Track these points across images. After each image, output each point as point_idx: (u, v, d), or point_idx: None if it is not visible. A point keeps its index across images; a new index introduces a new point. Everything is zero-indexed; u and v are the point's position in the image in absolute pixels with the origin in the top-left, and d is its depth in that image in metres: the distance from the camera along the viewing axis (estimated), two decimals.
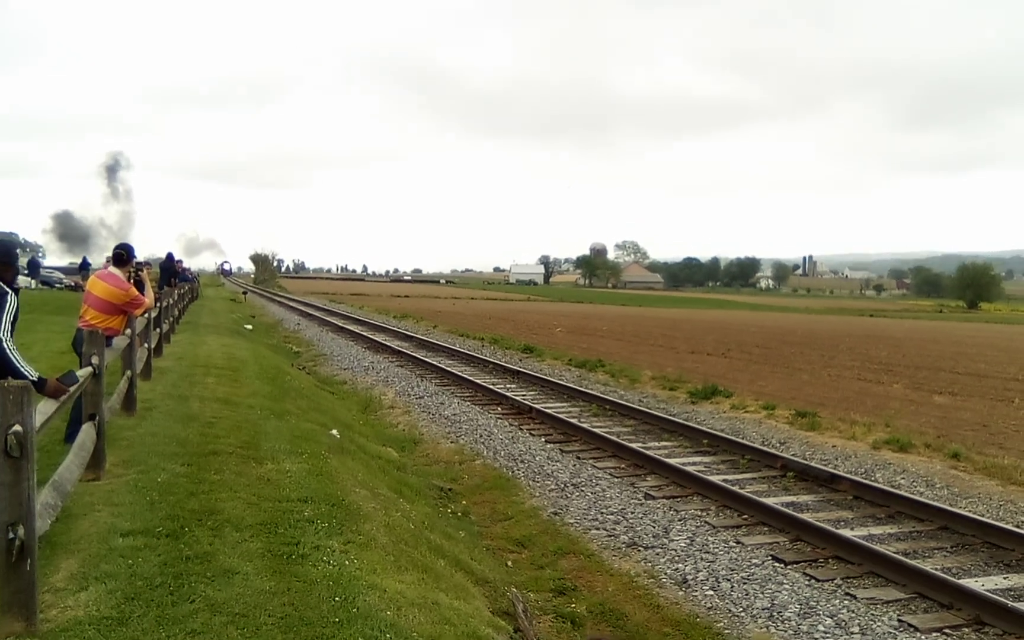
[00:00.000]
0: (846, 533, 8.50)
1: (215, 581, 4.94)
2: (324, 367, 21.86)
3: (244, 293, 60.05)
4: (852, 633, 6.37)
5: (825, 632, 6.38)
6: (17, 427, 4.16)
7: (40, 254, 67.29)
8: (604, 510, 9.36)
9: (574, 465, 11.44)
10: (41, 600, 4.43)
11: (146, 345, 13.51)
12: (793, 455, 12.27)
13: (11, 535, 4.11)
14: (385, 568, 5.75)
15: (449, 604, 5.52)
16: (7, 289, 5.99)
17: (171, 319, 20.55)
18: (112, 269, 9.29)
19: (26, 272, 41.10)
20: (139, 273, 11.05)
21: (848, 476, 10.84)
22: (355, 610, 4.79)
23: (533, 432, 13.82)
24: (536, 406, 15.75)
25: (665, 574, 7.49)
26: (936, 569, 7.56)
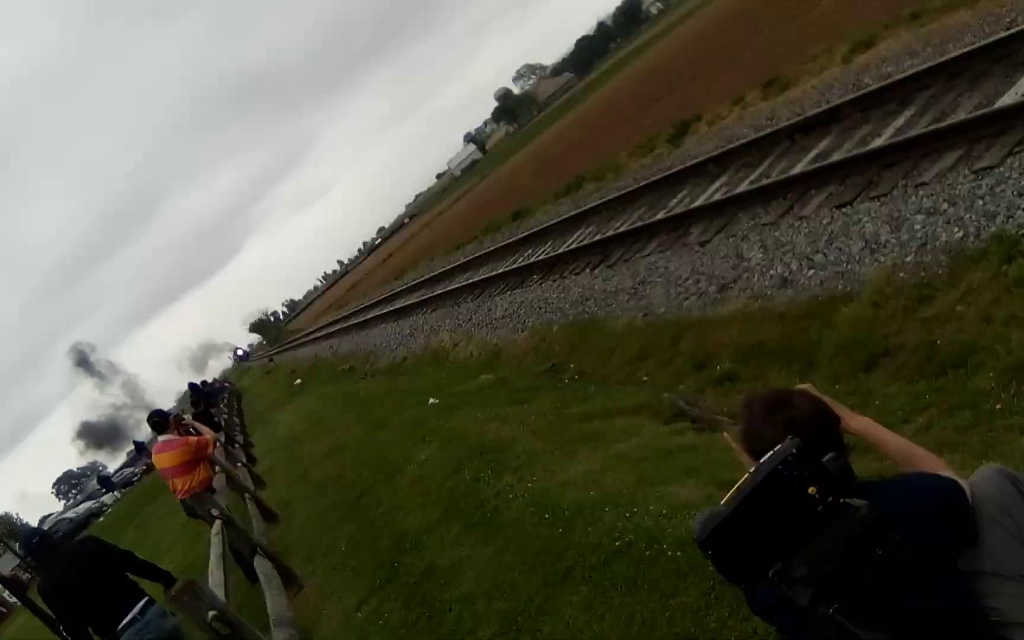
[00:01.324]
0: None
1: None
2: (380, 362, 21.88)
3: (270, 360, 60.04)
4: None
5: None
6: (212, 611, 4.25)
7: (101, 467, 67.89)
8: None
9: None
10: None
11: (239, 463, 13.66)
12: None
13: None
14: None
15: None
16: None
17: (236, 429, 20.69)
18: (161, 438, 9.15)
19: (103, 490, 41.46)
20: (182, 422, 10.91)
21: None
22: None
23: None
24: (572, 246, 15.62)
25: None
26: None
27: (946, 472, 2.19)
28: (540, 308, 13.19)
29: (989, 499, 2.15)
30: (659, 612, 3.58)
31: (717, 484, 4.29)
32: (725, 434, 2.99)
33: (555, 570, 4.52)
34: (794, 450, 1.33)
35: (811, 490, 1.31)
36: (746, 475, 1.34)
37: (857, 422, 2.39)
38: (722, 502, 1.33)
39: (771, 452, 1.35)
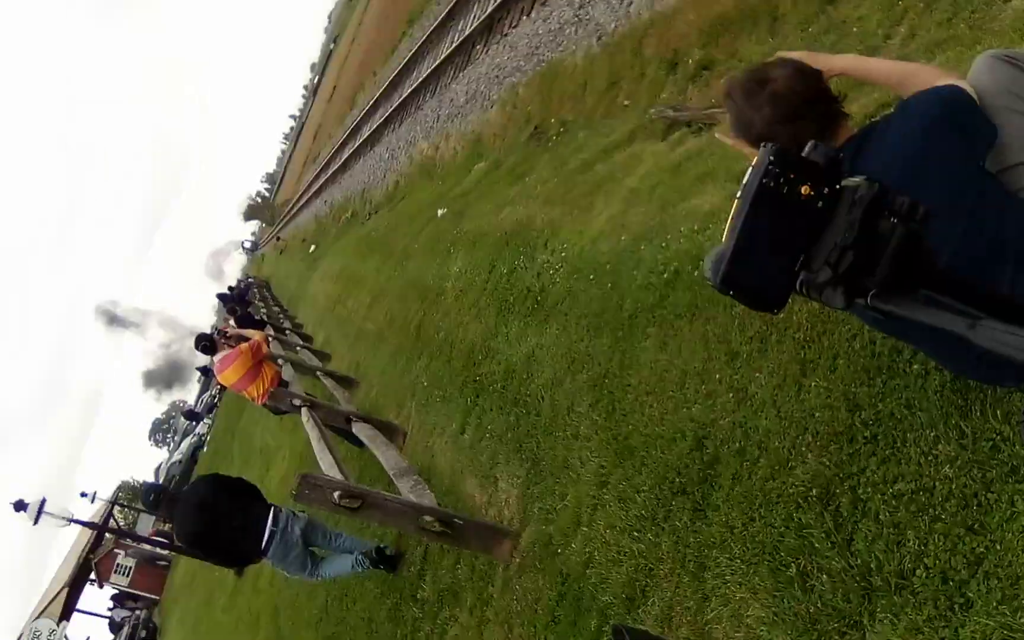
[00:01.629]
0: None
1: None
2: (376, 196, 21.39)
3: (278, 239, 59.65)
4: None
5: None
6: (336, 491, 4.47)
7: (182, 404, 70.14)
8: None
9: None
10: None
11: (298, 347, 13.92)
12: None
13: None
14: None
15: None
16: None
17: (280, 316, 20.94)
18: (216, 358, 9.23)
19: (194, 423, 42.86)
20: (227, 334, 10.91)
21: None
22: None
23: None
24: None
25: None
26: None
27: (944, 80, 2.07)
28: (497, 76, 12.70)
29: (993, 90, 2.05)
30: (728, 323, 3.66)
31: (735, 179, 4.25)
32: (717, 134, 2.90)
33: (619, 324, 4.61)
34: (771, 157, 1.21)
35: (803, 190, 1.20)
36: (735, 202, 1.26)
37: (838, 62, 2.26)
38: (723, 238, 1.26)
39: (750, 168, 1.25)
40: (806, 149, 1.22)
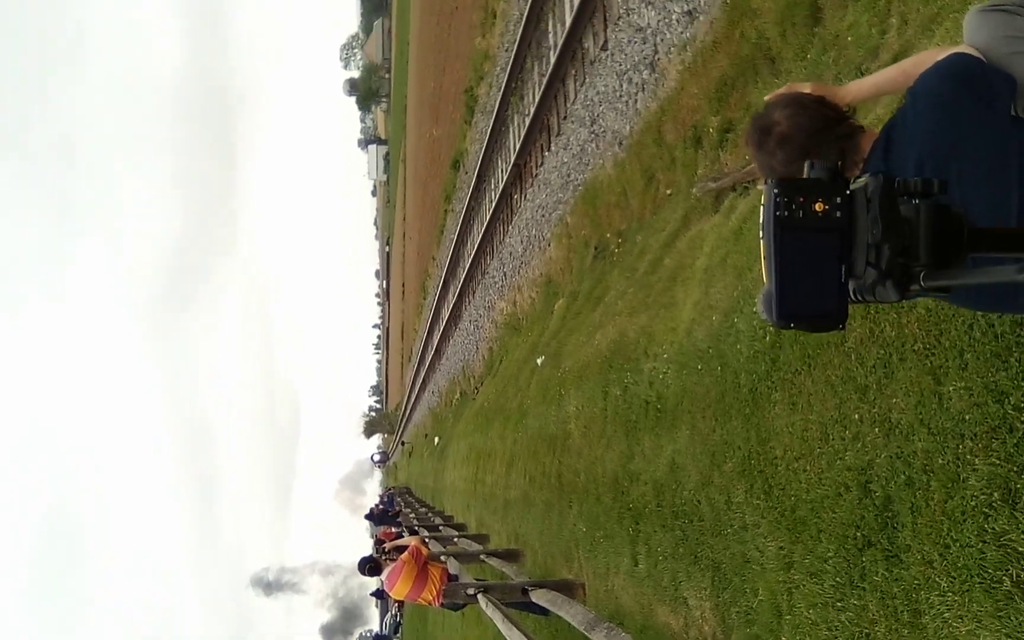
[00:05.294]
0: None
1: None
2: (475, 369, 21.86)
3: (403, 444, 60.77)
4: None
5: None
6: None
7: (367, 634, 70.69)
8: None
9: None
10: None
11: (455, 539, 14.06)
12: None
13: None
14: None
15: None
16: None
17: (428, 515, 21.27)
18: (383, 577, 9.37)
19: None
20: (386, 552, 11.13)
21: None
22: None
23: None
24: None
25: None
26: None
27: (943, 54, 2.08)
28: (544, 215, 13.11)
29: (990, 43, 2.02)
30: (845, 361, 3.60)
31: None
32: (759, 186, 2.94)
33: (743, 402, 4.57)
34: (776, 190, 1.24)
35: (818, 208, 1.23)
36: (761, 243, 1.28)
37: (844, 94, 2.29)
38: (764, 278, 1.28)
39: (761, 205, 1.29)
40: (804, 169, 1.28)
